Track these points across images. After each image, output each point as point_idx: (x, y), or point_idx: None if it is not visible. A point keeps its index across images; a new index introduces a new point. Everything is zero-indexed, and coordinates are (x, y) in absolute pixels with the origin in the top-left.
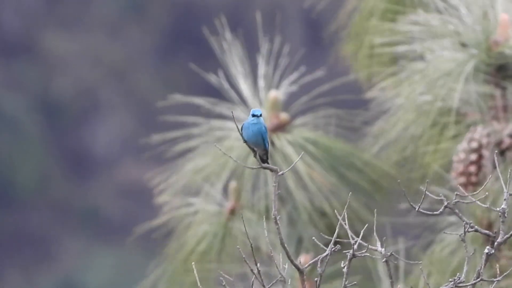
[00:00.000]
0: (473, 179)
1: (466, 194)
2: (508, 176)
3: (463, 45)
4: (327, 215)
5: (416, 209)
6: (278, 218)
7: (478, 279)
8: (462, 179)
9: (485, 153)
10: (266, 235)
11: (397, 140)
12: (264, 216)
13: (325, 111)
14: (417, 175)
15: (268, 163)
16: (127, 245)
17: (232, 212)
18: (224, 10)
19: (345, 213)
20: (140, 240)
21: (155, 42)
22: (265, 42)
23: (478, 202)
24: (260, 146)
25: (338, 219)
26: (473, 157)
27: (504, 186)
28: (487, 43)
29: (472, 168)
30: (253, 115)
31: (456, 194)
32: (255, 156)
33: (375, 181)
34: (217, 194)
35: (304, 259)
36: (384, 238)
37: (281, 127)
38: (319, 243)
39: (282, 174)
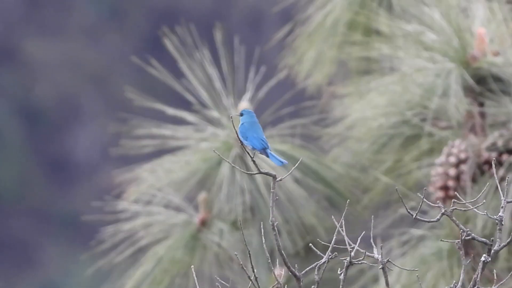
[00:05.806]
0: (451, 193)
1: (464, 201)
2: (506, 184)
3: (442, 57)
4: (295, 226)
5: (413, 216)
6: (275, 224)
7: (475, 287)
8: (441, 193)
9: (464, 168)
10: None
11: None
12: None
13: (291, 122)
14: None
15: (275, 157)
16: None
17: (203, 223)
18: (204, 15)
19: (342, 221)
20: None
21: (135, 48)
22: (227, 54)
23: (476, 210)
24: (255, 146)
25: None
26: (452, 172)
27: (501, 194)
28: (465, 58)
29: (451, 183)
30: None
31: (454, 202)
32: (252, 160)
33: (342, 192)
34: (184, 203)
35: (277, 272)
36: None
37: None
38: (316, 250)
39: (281, 180)
